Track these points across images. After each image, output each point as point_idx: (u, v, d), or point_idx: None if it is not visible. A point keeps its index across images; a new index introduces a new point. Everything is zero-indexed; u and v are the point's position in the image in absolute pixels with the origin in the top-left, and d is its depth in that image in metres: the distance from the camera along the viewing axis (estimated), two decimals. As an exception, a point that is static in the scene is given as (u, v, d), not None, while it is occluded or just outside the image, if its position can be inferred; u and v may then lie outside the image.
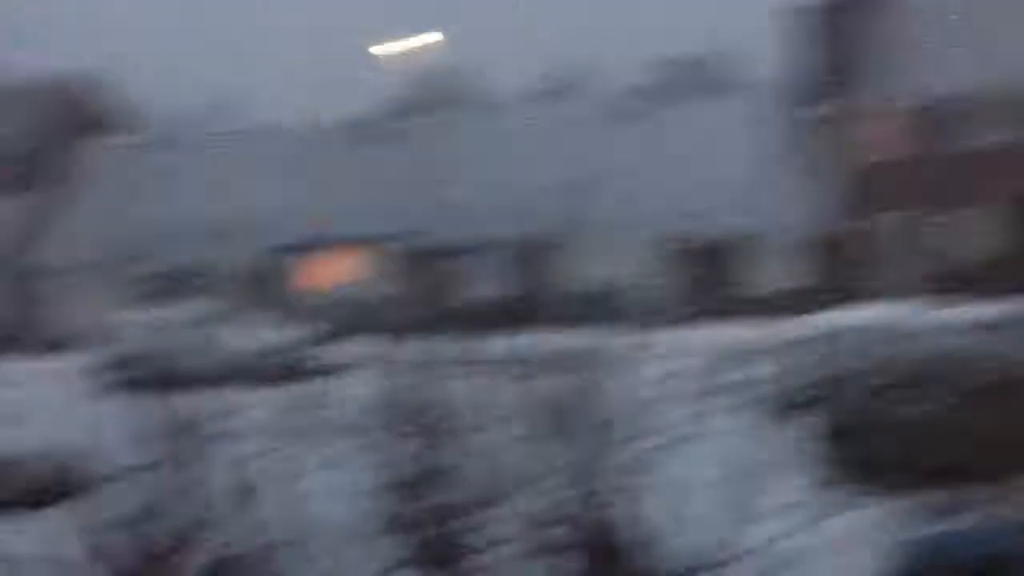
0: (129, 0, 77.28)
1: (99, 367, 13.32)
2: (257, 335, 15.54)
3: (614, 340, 8.72)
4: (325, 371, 8.81)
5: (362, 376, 8.40)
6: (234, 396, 8.45)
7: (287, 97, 50.40)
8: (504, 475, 7.77)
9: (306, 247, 40.19)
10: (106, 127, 47.08)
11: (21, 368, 9.40)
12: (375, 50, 44.64)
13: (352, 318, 20.56)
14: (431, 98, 48.43)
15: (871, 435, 11.05)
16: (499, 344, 8.46)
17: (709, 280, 34.57)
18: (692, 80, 45.92)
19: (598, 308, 30.07)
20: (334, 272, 33.09)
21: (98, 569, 7.78)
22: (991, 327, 13.84)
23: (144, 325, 8.39)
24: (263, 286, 33.99)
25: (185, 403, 8.25)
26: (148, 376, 8.31)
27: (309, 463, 7.90)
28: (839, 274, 33.70)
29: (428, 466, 7.89)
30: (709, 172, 36.61)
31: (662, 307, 30.96)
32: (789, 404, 12.68)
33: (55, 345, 26.45)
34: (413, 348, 8.61)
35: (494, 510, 7.76)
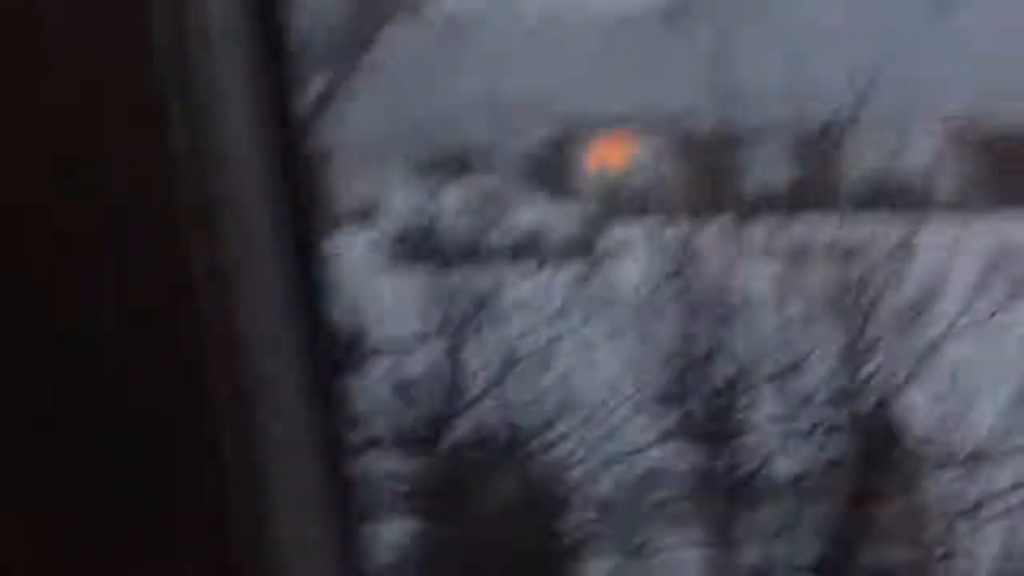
0: None
1: (383, 241, 13.70)
2: (537, 214, 15.72)
3: (896, 229, 8.53)
4: (604, 252, 8.85)
5: (639, 257, 8.44)
6: (513, 273, 8.59)
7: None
8: (779, 355, 7.74)
9: (588, 128, 40.21)
10: (399, 9, 47.88)
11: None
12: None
13: (632, 199, 20.59)
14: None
15: None
16: (777, 229, 8.37)
17: (996, 171, 33.20)
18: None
19: (882, 196, 29.25)
20: (615, 153, 33.00)
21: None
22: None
23: (428, 201, 8.58)
24: (545, 166, 34.24)
25: (465, 279, 8.43)
26: (430, 252, 8.47)
27: (584, 339, 8.00)
28: None
29: (701, 345, 7.91)
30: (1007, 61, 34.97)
31: (948, 198, 29.95)
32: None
33: (342, 219, 27.25)
34: (692, 231, 8.59)
35: (767, 389, 7.75)
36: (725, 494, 7.72)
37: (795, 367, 7.64)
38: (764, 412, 7.82)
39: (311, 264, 1.21)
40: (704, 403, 7.82)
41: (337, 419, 1.18)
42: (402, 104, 10.31)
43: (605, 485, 7.90)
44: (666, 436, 7.75)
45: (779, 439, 7.73)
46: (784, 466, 7.67)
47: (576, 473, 8.02)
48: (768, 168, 10.02)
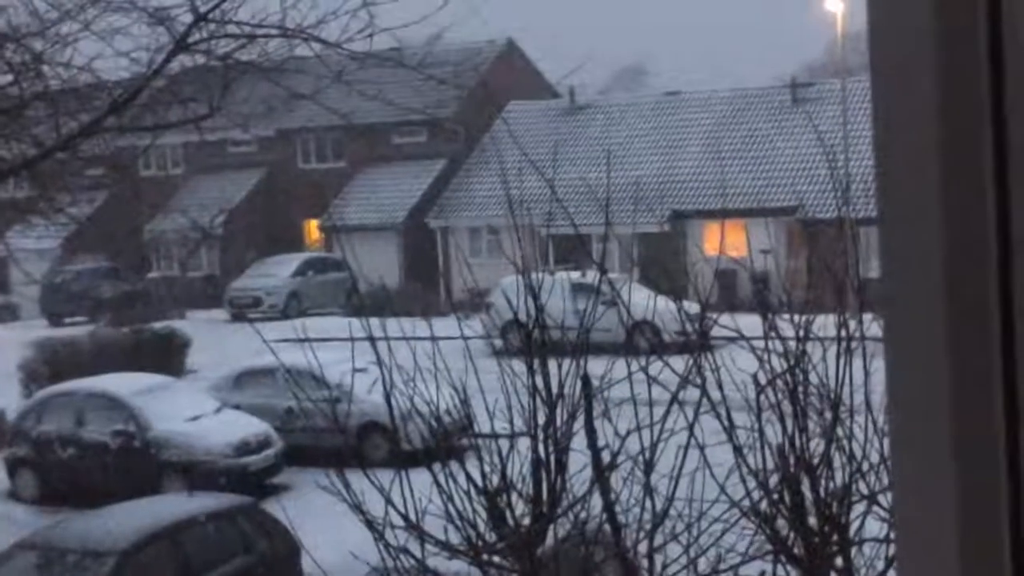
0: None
1: (490, 330, 13.56)
2: (647, 301, 15.45)
3: None
4: (716, 343, 8.64)
5: (753, 351, 8.21)
6: (623, 364, 8.41)
7: (700, 63, 50.27)
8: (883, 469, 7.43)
9: (702, 214, 40.10)
10: (523, 92, 48.36)
11: (419, 326, 9.70)
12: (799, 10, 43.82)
13: (744, 289, 20.31)
14: (843, 62, 47.29)
15: None
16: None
17: None
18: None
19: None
20: (730, 241, 32.84)
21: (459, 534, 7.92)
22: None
23: (534, 287, 8.46)
24: (657, 252, 34.14)
25: (567, 368, 8.28)
26: (532, 338, 8.34)
27: (693, 438, 7.78)
28: None
29: (805, 445, 7.62)
30: None
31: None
32: None
33: (446, 307, 27.36)
34: (802, 322, 8.35)
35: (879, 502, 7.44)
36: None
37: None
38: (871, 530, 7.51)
39: None
40: (815, 514, 7.53)
41: None
42: (522, 187, 10.22)
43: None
44: (773, 550, 7.47)
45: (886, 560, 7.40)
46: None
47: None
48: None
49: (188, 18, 16.37)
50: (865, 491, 7.53)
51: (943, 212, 1.26)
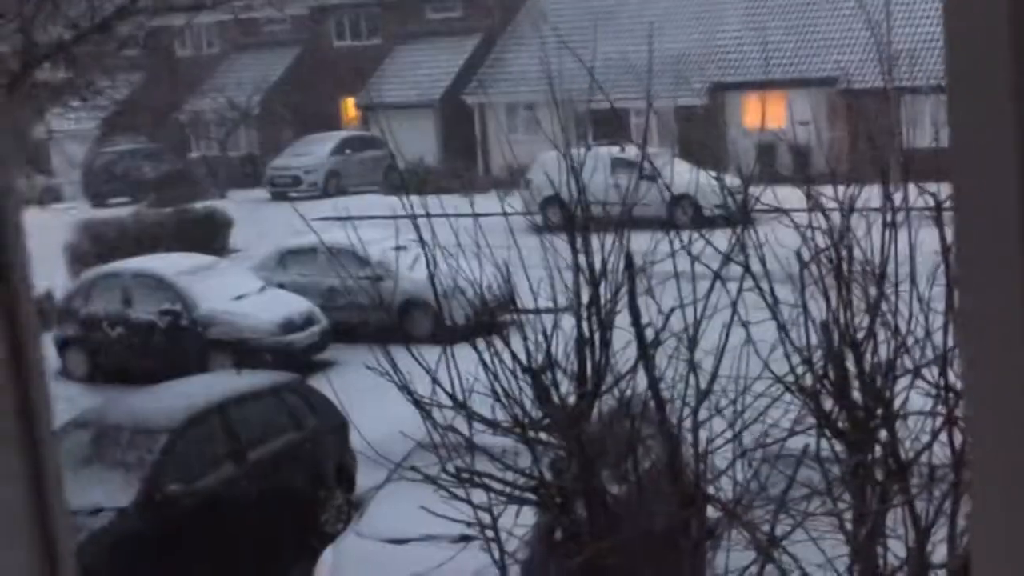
0: None
1: (530, 206, 13.55)
2: (688, 176, 15.39)
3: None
4: (753, 216, 8.60)
5: (795, 227, 8.17)
6: (664, 240, 8.38)
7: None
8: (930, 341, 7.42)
9: (743, 87, 39.67)
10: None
11: (458, 203, 9.71)
12: None
13: (786, 161, 20.19)
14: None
15: None
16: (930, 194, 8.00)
17: None
18: None
19: None
20: (768, 113, 32.60)
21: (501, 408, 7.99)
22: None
23: (575, 163, 8.38)
24: (697, 126, 33.88)
25: (608, 244, 8.27)
26: (573, 215, 8.32)
27: (732, 312, 7.78)
28: None
29: (849, 321, 7.61)
30: None
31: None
32: None
33: (486, 183, 27.29)
34: (846, 195, 8.28)
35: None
36: (874, 487, 7.45)
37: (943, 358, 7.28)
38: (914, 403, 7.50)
39: None
40: (859, 389, 7.53)
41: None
42: (557, 61, 10.13)
43: (744, 472, 7.70)
44: (817, 425, 7.50)
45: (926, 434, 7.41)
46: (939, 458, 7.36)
47: (718, 458, 7.84)
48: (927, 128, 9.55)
49: None
50: (910, 365, 7.53)
51: (1016, 75, 1.26)
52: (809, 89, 36.87)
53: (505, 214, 9.33)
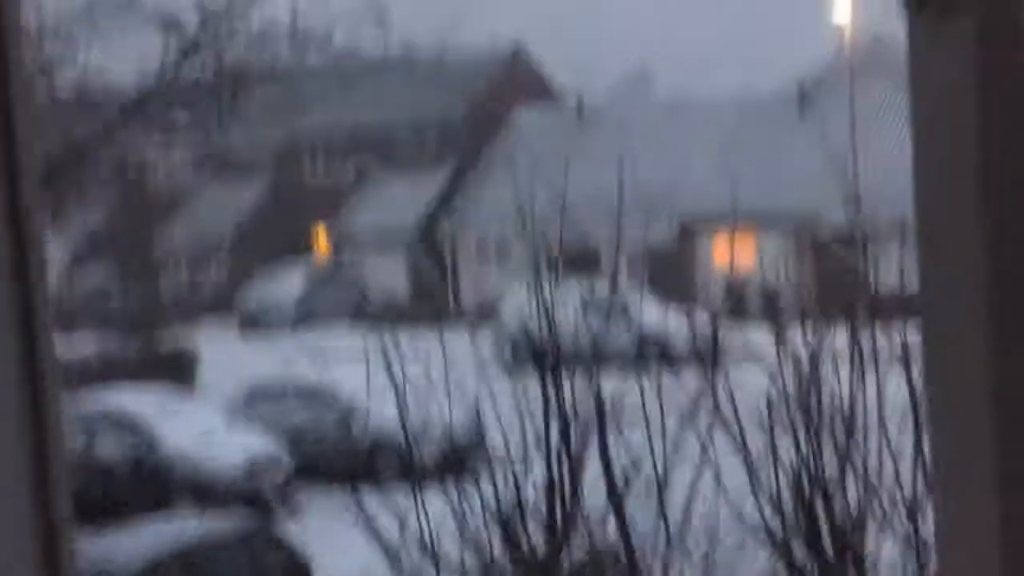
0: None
1: (495, 343, 13.55)
2: (657, 315, 15.45)
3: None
4: (722, 357, 8.60)
5: (761, 365, 8.17)
6: (628, 379, 8.38)
7: (707, 69, 50.17)
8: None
9: (711, 225, 40.05)
10: (530, 98, 48.42)
11: (424, 341, 9.70)
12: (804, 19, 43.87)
13: (755, 302, 20.33)
14: (850, 71, 47.24)
15: None
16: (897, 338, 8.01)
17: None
18: None
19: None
20: (737, 253, 32.85)
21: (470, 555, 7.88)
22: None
23: (545, 301, 8.40)
24: (666, 264, 34.07)
25: (578, 385, 8.24)
26: (544, 355, 8.31)
27: (701, 455, 7.74)
28: None
29: (820, 467, 7.57)
30: None
31: None
32: None
33: (455, 317, 27.31)
34: (814, 338, 8.30)
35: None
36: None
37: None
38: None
39: None
40: (830, 533, 7.47)
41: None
42: (528, 196, 10.19)
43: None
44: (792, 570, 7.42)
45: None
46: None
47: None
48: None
49: (198, 26, 16.36)
50: (880, 512, 7.47)
51: (983, 217, 1.29)
52: (777, 229, 37.21)
53: (474, 349, 9.32)
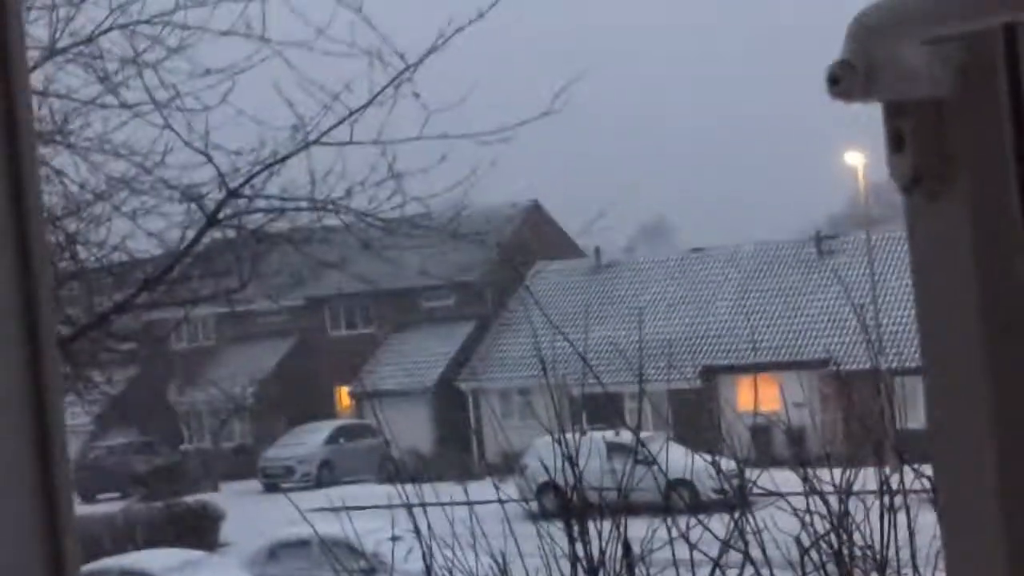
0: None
1: (520, 493, 13.47)
2: (683, 460, 15.26)
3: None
4: (755, 500, 8.55)
5: (794, 512, 8.10)
6: (662, 525, 8.30)
7: (722, 219, 50.64)
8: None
9: (735, 370, 39.96)
10: (549, 252, 48.77)
11: (453, 491, 9.65)
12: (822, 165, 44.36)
13: (780, 444, 20.20)
14: (865, 215, 47.59)
15: None
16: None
17: None
18: None
19: None
20: (764, 395, 32.68)
21: None
22: None
23: (570, 450, 8.35)
24: (690, 409, 33.96)
25: (609, 532, 8.17)
26: (570, 503, 8.27)
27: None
28: None
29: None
30: None
31: None
32: None
33: (480, 469, 27.19)
34: (843, 479, 8.23)
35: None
36: None
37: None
38: None
39: None
40: None
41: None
42: (552, 347, 10.23)
43: None
44: None
45: None
46: None
47: None
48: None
49: (219, 194, 16.60)
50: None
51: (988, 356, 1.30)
52: (801, 371, 37.17)
53: (501, 501, 9.24)
